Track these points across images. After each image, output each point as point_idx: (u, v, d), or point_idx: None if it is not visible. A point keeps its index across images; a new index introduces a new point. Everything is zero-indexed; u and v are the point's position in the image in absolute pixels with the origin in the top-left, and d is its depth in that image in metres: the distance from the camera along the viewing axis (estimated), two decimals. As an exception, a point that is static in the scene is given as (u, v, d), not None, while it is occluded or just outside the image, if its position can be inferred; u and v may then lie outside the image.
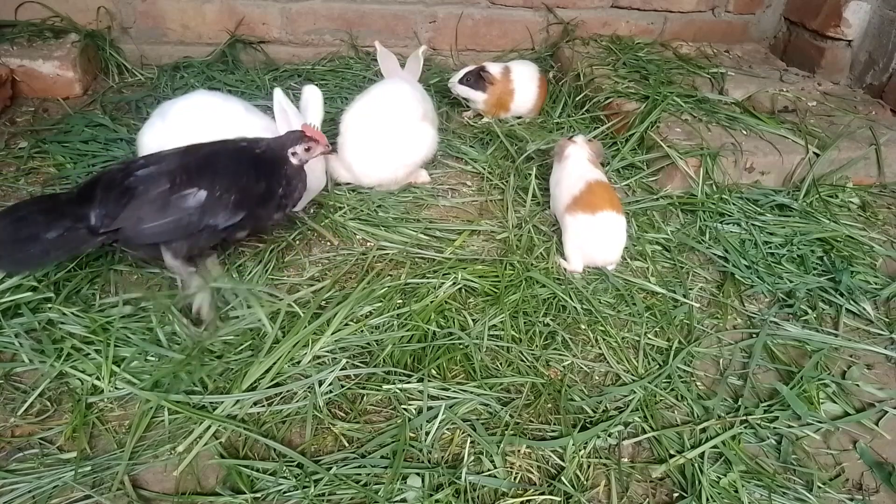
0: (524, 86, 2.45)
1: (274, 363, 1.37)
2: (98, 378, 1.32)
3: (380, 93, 1.99)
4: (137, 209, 1.31)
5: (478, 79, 2.35)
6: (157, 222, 1.32)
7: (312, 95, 1.72)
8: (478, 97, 2.39)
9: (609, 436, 1.34)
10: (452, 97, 2.49)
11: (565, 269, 1.77)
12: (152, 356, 1.39)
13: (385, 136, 1.91)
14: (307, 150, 1.54)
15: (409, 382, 1.38)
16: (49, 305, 1.44)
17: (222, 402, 1.29)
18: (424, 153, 2.00)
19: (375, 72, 2.60)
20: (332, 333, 1.46)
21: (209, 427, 1.25)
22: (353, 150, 1.92)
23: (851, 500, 1.28)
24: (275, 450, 1.24)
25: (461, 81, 2.36)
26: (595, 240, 1.72)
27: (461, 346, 1.48)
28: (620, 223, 1.73)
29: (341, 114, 2.37)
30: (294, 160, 1.53)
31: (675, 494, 1.26)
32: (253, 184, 1.43)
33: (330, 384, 1.37)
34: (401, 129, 1.93)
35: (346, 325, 1.51)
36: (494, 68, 2.40)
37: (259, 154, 1.50)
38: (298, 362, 1.40)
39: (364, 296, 1.57)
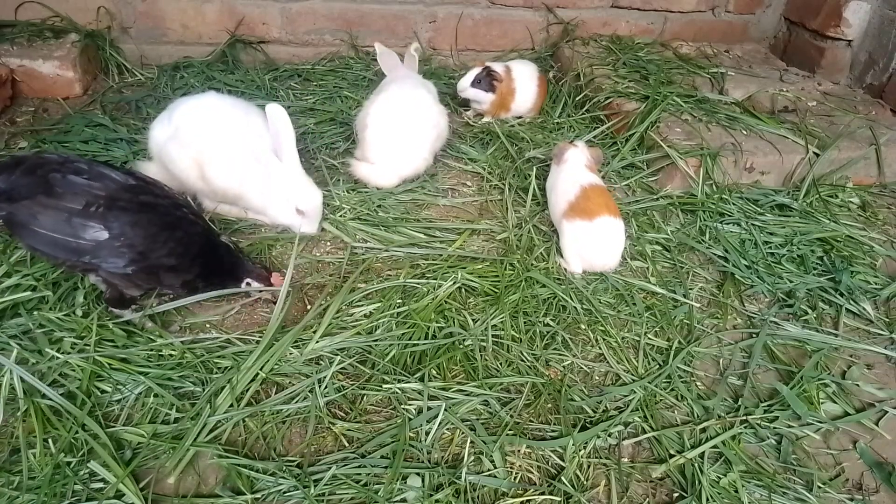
0: (524, 85, 2.45)
1: (266, 363, 1.37)
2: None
3: (392, 90, 2.05)
4: (39, 206, 1.26)
5: (488, 80, 2.36)
6: (45, 231, 1.27)
7: (277, 115, 1.65)
8: (487, 98, 2.41)
9: (609, 436, 1.34)
10: (460, 99, 2.48)
11: (565, 269, 1.77)
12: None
13: (407, 127, 1.98)
14: (258, 290, 1.54)
15: (409, 382, 1.38)
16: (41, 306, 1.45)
17: (218, 406, 1.30)
18: (442, 138, 2.10)
19: (375, 72, 2.61)
20: (328, 333, 1.47)
21: (205, 426, 1.26)
22: (377, 147, 1.97)
23: (851, 500, 1.28)
24: (275, 449, 1.25)
25: (474, 84, 2.37)
26: (594, 246, 1.72)
27: (461, 346, 1.48)
28: (619, 228, 1.73)
29: (342, 114, 2.39)
30: (242, 286, 1.52)
31: (675, 494, 1.26)
32: (164, 254, 1.37)
33: (330, 380, 1.37)
34: (420, 117, 2.01)
35: (346, 326, 1.51)
36: (497, 68, 2.40)
37: (218, 248, 1.48)
38: (294, 359, 1.40)
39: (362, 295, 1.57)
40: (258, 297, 1.57)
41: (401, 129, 1.97)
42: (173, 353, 1.40)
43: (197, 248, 1.44)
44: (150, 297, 1.51)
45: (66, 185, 1.29)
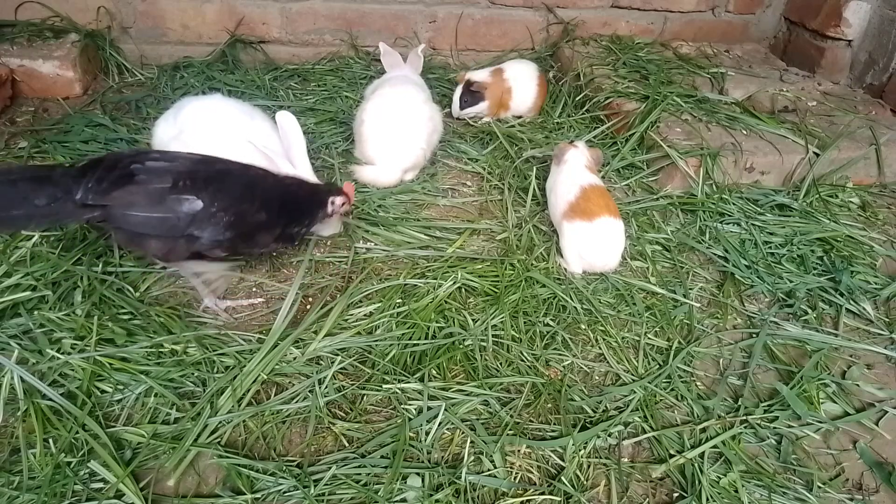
0: (523, 84, 2.46)
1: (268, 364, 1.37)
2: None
3: (386, 89, 2.10)
4: (132, 194, 1.31)
5: (472, 93, 2.39)
6: (146, 213, 1.33)
7: (287, 122, 1.66)
8: (482, 108, 2.43)
9: (609, 436, 1.34)
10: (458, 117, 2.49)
11: (565, 270, 1.77)
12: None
13: (400, 123, 2.00)
14: (342, 205, 1.64)
15: (409, 382, 1.38)
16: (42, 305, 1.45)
17: (221, 406, 1.30)
18: (438, 132, 2.12)
19: (376, 71, 2.60)
20: (330, 333, 1.47)
21: (205, 427, 1.26)
22: (375, 144, 2.00)
23: (851, 500, 1.28)
24: (275, 449, 1.25)
25: (462, 106, 2.41)
26: (594, 247, 1.72)
27: (461, 346, 1.48)
28: (618, 228, 1.72)
29: (342, 114, 2.39)
30: (329, 208, 1.62)
31: (675, 494, 1.26)
32: (254, 211, 1.44)
33: (330, 380, 1.37)
34: (414, 111, 2.03)
35: (346, 326, 1.51)
36: (479, 75, 2.42)
37: (290, 188, 1.55)
38: (295, 359, 1.41)
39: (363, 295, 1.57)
40: (339, 213, 1.65)
41: (396, 123, 2.00)
42: (176, 348, 1.40)
43: (277, 198, 1.50)
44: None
45: (148, 171, 1.34)
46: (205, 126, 1.73)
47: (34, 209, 1.26)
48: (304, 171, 1.69)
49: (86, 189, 1.28)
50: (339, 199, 1.62)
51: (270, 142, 1.71)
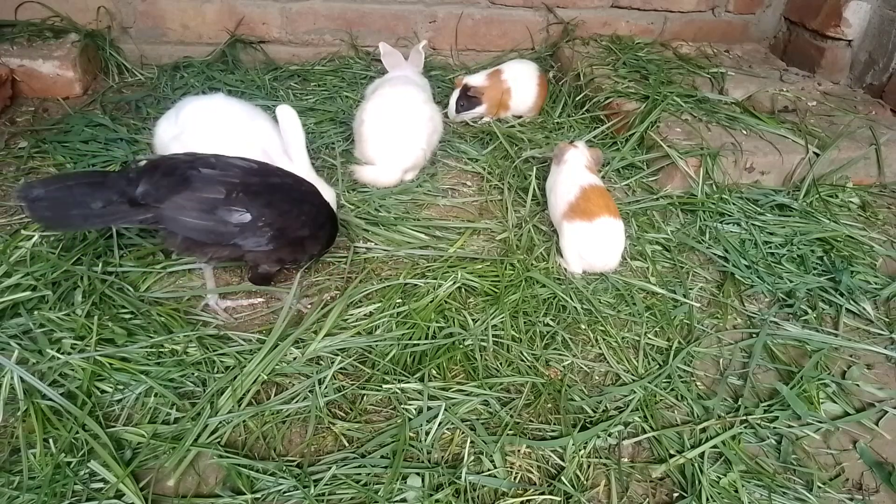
0: (522, 84, 2.46)
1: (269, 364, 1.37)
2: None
3: (386, 89, 2.11)
4: (187, 199, 1.36)
5: (469, 98, 2.40)
6: (196, 221, 1.38)
7: (287, 116, 1.68)
8: (480, 111, 2.44)
9: (609, 436, 1.34)
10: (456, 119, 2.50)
11: (565, 270, 1.77)
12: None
13: (400, 123, 2.01)
14: None
15: (409, 382, 1.38)
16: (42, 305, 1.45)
17: (222, 406, 1.30)
18: (438, 132, 2.13)
19: (377, 71, 2.60)
20: (330, 333, 1.47)
21: (205, 427, 1.26)
22: (375, 143, 2.01)
23: (851, 500, 1.28)
24: (275, 449, 1.25)
25: (458, 110, 2.42)
26: (594, 247, 1.72)
27: (461, 346, 1.48)
28: (619, 228, 1.72)
29: (342, 114, 2.39)
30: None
31: (675, 494, 1.26)
32: (297, 227, 1.51)
33: (330, 380, 1.37)
34: (413, 111, 2.04)
35: (346, 326, 1.51)
36: (476, 79, 2.43)
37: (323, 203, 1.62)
38: (295, 359, 1.41)
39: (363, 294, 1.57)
40: None
41: (396, 123, 2.00)
42: (176, 348, 1.40)
43: (324, 215, 1.59)
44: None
45: (203, 179, 1.38)
46: (206, 126, 1.73)
47: (90, 211, 1.32)
48: (301, 166, 1.69)
49: (143, 192, 1.34)
50: None
51: (271, 141, 1.71)
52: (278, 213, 1.45)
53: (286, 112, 1.66)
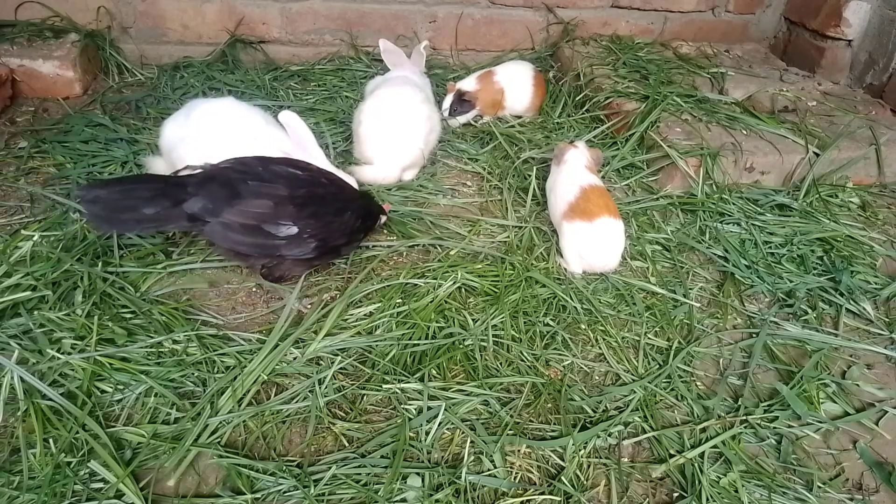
0: (517, 84, 2.47)
1: (269, 364, 1.37)
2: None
3: (383, 90, 2.10)
4: (235, 216, 1.39)
5: (463, 102, 2.40)
6: (243, 237, 1.42)
7: (292, 121, 1.69)
8: (471, 116, 2.45)
9: (609, 436, 1.34)
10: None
11: (565, 270, 1.77)
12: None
13: (397, 123, 2.01)
14: (383, 221, 1.81)
15: (409, 382, 1.38)
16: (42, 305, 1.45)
17: (222, 406, 1.30)
18: (436, 131, 2.13)
19: (377, 71, 2.60)
20: (330, 333, 1.47)
21: (206, 427, 1.26)
22: (373, 143, 2.01)
23: (851, 500, 1.28)
24: (275, 449, 1.25)
25: (451, 114, 2.41)
26: (594, 248, 1.72)
27: (461, 346, 1.48)
28: (618, 229, 1.72)
29: (342, 114, 2.39)
30: (382, 219, 1.78)
31: (675, 494, 1.26)
32: (338, 236, 1.56)
33: (330, 380, 1.37)
34: (411, 111, 2.04)
35: (346, 326, 1.51)
36: (469, 84, 2.43)
37: (370, 209, 1.69)
38: (295, 359, 1.41)
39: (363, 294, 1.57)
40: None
41: (393, 123, 2.01)
42: (176, 348, 1.40)
43: (361, 220, 1.64)
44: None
45: (253, 192, 1.42)
46: (218, 129, 1.72)
47: (142, 216, 1.34)
48: (320, 160, 1.71)
49: (201, 208, 1.37)
50: (383, 218, 1.78)
51: (285, 145, 1.71)
52: (323, 224, 1.50)
53: (290, 117, 1.68)
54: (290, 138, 1.71)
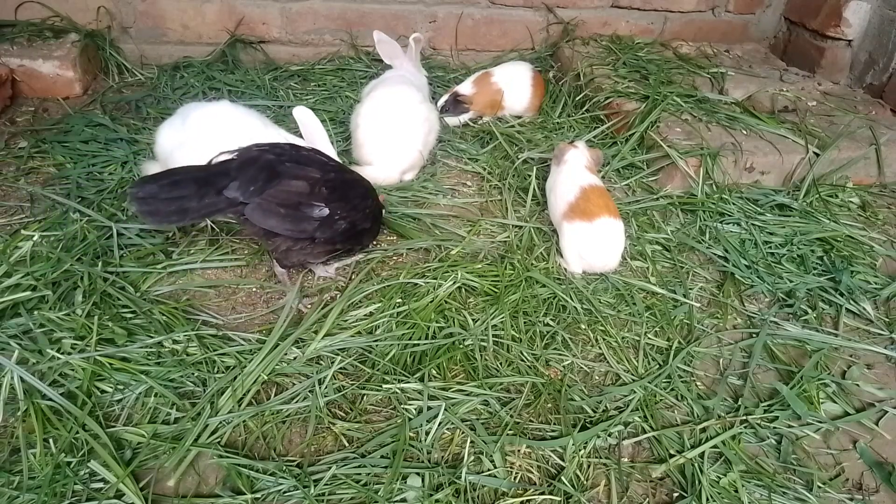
0: (515, 85, 2.47)
1: (269, 364, 1.37)
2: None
3: (381, 90, 2.10)
4: (275, 197, 1.42)
5: (458, 103, 2.40)
6: (282, 219, 1.44)
7: (305, 116, 1.71)
8: (465, 116, 2.44)
9: (609, 436, 1.34)
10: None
11: (565, 270, 1.77)
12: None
13: (395, 124, 2.01)
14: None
15: (409, 382, 1.38)
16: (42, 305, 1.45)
17: (222, 406, 1.30)
18: (434, 132, 2.13)
19: (377, 71, 2.60)
20: (330, 333, 1.47)
21: (206, 427, 1.26)
22: (371, 146, 2.01)
23: (851, 499, 1.28)
24: (275, 449, 1.25)
25: (443, 113, 2.40)
26: (594, 248, 1.71)
27: (461, 346, 1.48)
28: (618, 229, 1.72)
29: (342, 114, 2.39)
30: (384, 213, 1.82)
31: (675, 494, 1.26)
32: (363, 220, 1.61)
33: (330, 380, 1.37)
34: (408, 111, 2.04)
35: (346, 326, 1.51)
36: (465, 87, 2.43)
37: (376, 195, 1.72)
38: (295, 359, 1.41)
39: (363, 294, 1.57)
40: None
41: (391, 125, 2.00)
42: (176, 348, 1.40)
43: (378, 208, 1.70)
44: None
45: (290, 173, 1.45)
46: (216, 133, 1.70)
47: (188, 206, 1.36)
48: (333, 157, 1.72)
49: (242, 190, 1.39)
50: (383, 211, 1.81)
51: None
52: (351, 207, 1.55)
53: (304, 112, 1.70)
54: (303, 133, 1.72)
